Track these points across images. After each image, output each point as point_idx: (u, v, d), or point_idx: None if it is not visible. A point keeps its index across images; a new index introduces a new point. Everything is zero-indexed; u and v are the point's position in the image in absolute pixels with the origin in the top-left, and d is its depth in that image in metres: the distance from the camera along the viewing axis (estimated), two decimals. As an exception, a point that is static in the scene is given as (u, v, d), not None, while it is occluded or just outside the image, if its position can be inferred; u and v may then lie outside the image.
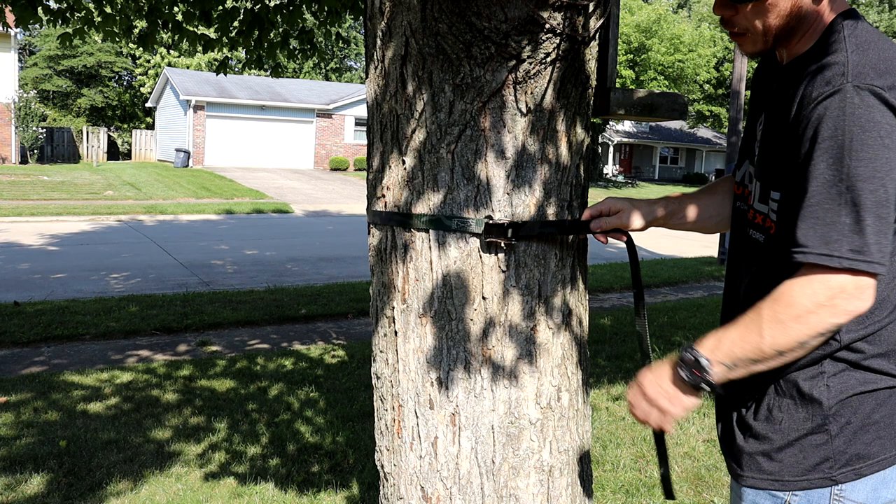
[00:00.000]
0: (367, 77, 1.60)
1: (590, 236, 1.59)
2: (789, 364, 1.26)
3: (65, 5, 4.78)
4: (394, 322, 1.54)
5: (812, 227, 1.16)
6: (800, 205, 1.18)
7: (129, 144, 33.89)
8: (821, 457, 1.28)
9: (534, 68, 1.40)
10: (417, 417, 1.52)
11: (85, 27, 4.90)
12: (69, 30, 4.97)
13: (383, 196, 1.55)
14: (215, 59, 27.73)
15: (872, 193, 1.13)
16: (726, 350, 1.22)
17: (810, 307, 1.16)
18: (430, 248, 1.47)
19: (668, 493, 1.52)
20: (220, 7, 4.91)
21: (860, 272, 1.14)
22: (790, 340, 1.18)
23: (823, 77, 1.18)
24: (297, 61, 6.26)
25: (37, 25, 4.69)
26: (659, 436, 1.49)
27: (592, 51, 1.52)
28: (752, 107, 1.46)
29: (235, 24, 5.01)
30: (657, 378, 1.31)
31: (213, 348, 5.70)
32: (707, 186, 1.63)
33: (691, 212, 1.57)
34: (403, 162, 1.49)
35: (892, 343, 1.26)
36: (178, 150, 27.85)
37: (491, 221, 1.43)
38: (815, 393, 1.27)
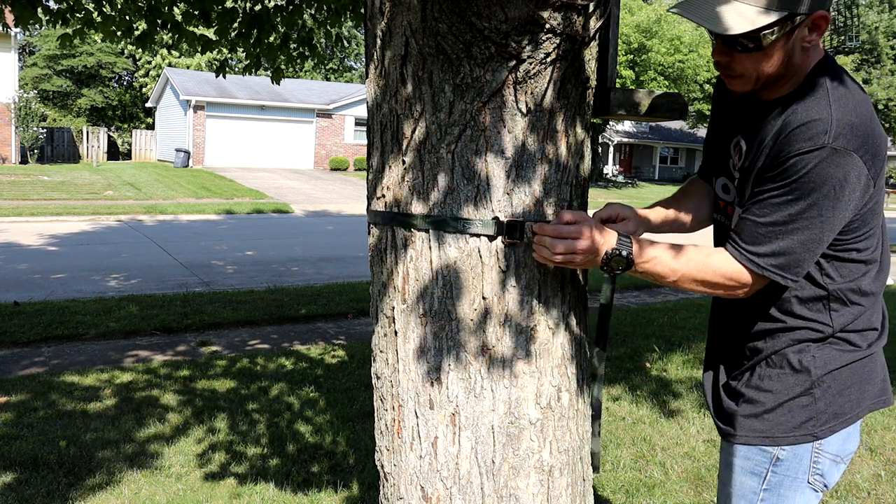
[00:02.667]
0: (367, 77, 1.60)
1: None
2: (782, 341, 1.52)
3: (64, 6, 4.78)
4: (394, 322, 1.55)
5: (755, 235, 1.42)
6: (752, 214, 1.42)
7: (130, 144, 33.89)
8: (806, 416, 1.51)
9: (534, 68, 1.40)
10: (417, 417, 1.52)
11: (84, 27, 4.90)
12: (69, 30, 4.96)
13: (383, 196, 1.55)
14: (215, 60, 27.72)
15: (810, 231, 1.38)
16: (649, 266, 1.45)
17: (720, 280, 1.45)
18: (430, 247, 1.48)
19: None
20: (220, 7, 4.90)
21: (766, 279, 1.43)
22: (687, 288, 1.48)
23: (808, 131, 1.35)
24: (297, 65, 6.21)
25: (37, 25, 4.68)
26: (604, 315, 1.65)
27: (592, 51, 1.53)
28: (721, 125, 1.62)
29: (235, 24, 5.01)
30: (600, 235, 1.42)
31: (213, 348, 5.70)
32: (681, 191, 1.81)
33: (676, 217, 1.75)
34: (403, 162, 1.49)
35: (865, 324, 1.52)
36: (178, 150, 27.85)
37: (509, 220, 1.44)
38: (804, 363, 1.50)
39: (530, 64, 1.39)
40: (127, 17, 4.87)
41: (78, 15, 4.84)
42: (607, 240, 1.42)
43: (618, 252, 1.41)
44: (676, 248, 1.46)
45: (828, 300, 1.49)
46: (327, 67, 47.13)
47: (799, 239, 1.38)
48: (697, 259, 1.45)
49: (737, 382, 1.58)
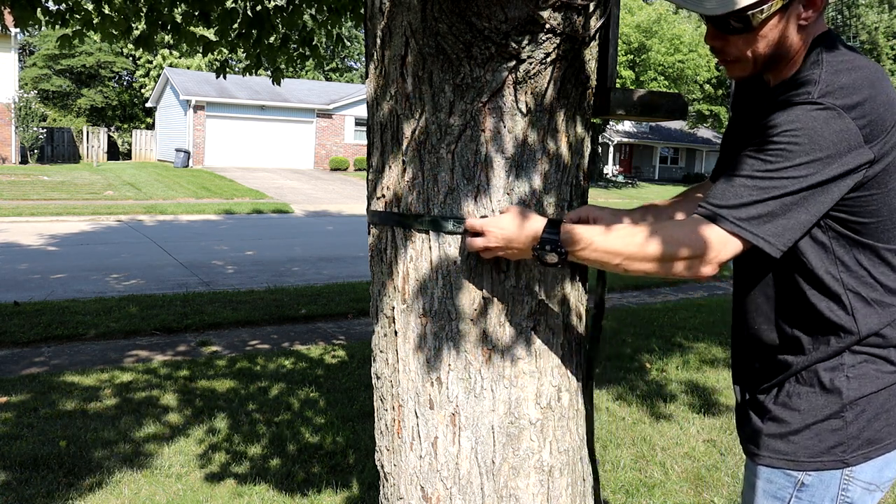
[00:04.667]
0: (366, 77, 1.60)
1: None
2: (811, 356, 1.38)
3: (64, 7, 4.77)
4: (394, 322, 1.54)
5: (725, 191, 1.28)
6: (728, 171, 1.31)
7: (130, 144, 33.88)
8: (835, 441, 1.38)
9: (534, 68, 1.40)
10: (417, 417, 1.52)
11: (84, 28, 4.89)
12: (68, 31, 4.96)
13: (383, 196, 1.55)
14: (215, 60, 27.75)
15: (789, 189, 1.25)
16: (587, 254, 1.33)
17: (675, 251, 1.28)
18: (430, 248, 1.47)
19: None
20: (220, 7, 4.90)
21: (741, 239, 1.27)
22: (640, 270, 1.31)
23: (796, 91, 1.28)
24: (297, 65, 6.23)
25: (36, 26, 4.67)
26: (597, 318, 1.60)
27: (592, 51, 1.53)
28: (738, 124, 1.52)
29: (235, 25, 5.00)
30: (518, 229, 1.36)
31: (213, 348, 5.70)
32: (681, 194, 1.69)
33: (665, 218, 1.61)
34: (403, 162, 1.49)
35: None
36: (178, 150, 27.84)
37: None
38: (836, 383, 1.37)
39: (530, 64, 1.39)
40: (126, 18, 4.87)
41: (77, 16, 4.83)
42: (528, 233, 1.35)
43: (540, 246, 1.34)
44: (620, 227, 1.34)
45: (846, 296, 1.34)
46: (328, 68, 47.09)
47: (776, 195, 1.25)
48: (645, 233, 1.29)
49: (764, 397, 1.46)
